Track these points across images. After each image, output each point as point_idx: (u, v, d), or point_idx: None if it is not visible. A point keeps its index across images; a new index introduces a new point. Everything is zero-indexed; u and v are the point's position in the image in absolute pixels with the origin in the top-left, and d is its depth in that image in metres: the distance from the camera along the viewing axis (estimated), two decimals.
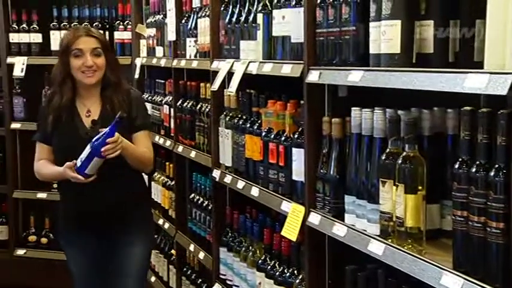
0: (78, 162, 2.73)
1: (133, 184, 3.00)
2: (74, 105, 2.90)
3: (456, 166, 1.63)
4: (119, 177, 2.87)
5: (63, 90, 2.88)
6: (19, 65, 4.76)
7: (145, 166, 2.97)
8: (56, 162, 2.92)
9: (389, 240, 1.87)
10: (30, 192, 4.88)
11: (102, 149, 2.67)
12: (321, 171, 2.23)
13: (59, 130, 2.90)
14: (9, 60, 4.82)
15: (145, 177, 3.30)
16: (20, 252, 4.93)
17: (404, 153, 1.81)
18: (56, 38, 4.77)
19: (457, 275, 1.59)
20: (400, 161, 1.81)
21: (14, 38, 4.84)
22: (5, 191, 4.95)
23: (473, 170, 1.57)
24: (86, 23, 4.75)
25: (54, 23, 4.81)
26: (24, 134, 4.89)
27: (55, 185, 4.54)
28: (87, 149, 2.70)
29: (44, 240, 4.93)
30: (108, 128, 2.69)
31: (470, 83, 1.51)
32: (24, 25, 4.84)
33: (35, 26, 4.84)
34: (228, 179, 3.04)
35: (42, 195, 4.82)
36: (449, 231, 1.84)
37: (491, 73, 1.47)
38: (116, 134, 2.69)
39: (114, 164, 2.75)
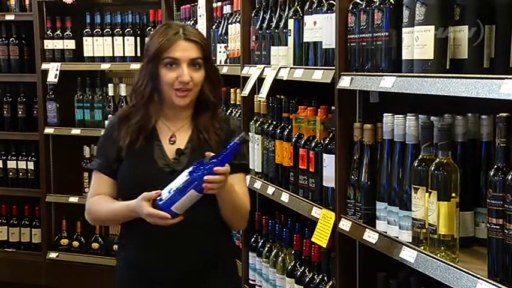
0: (164, 194, 1.97)
1: (224, 244, 2.20)
2: (153, 126, 2.15)
3: (491, 173, 1.61)
4: (206, 232, 2.10)
5: (149, 109, 2.12)
6: (53, 71, 4.84)
7: (242, 219, 2.18)
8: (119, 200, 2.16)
9: (422, 248, 1.85)
10: (62, 196, 4.94)
11: (205, 179, 1.92)
12: (352, 177, 2.22)
13: (130, 158, 2.12)
14: (44, 66, 4.91)
15: None
16: (53, 255, 4.99)
17: (438, 160, 1.79)
18: (88, 44, 4.84)
19: (493, 284, 1.56)
20: (433, 168, 1.79)
21: (49, 44, 4.92)
22: (38, 195, 5.02)
23: (510, 177, 1.54)
24: (117, 29, 4.81)
25: (87, 30, 4.89)
26: (57, 138, 4.97)
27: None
28: (183, 178, 1.96)
29: (75, 243, 4.98)
30: (222, 154, 1.96)
31: (507, 89, 1.48)
32: (58, 32, 4.92)
33: (69, 32, 4.92)
34: (257, 184, 3.04)
35: (74, 199, 4.88)
36: (483, 239, 1.81)
37: None
38: (227, 164, 1.96)
39: (203, 212, 2.02)
